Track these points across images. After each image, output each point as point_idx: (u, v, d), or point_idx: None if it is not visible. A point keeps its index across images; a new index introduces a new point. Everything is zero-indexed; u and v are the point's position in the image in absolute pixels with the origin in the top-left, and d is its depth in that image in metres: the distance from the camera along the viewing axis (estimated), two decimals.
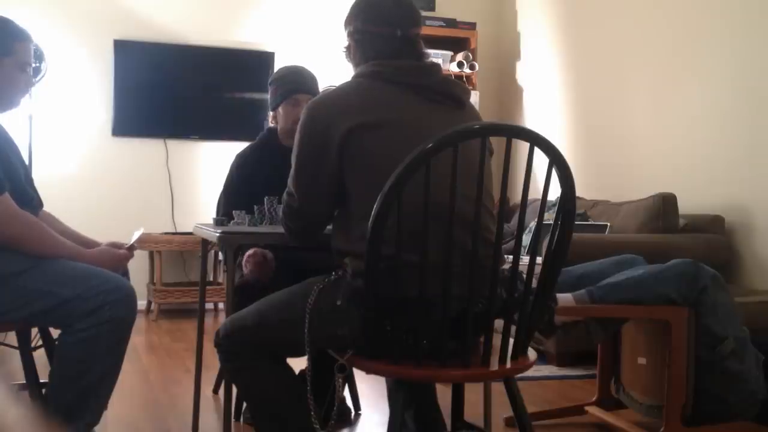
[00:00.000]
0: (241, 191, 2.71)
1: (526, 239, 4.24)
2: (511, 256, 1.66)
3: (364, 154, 1.71)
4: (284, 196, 1.88)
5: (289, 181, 1.85)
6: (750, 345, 2.39)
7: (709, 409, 2.34)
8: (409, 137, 1.65)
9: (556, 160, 1.57)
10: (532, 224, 4.29)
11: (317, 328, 1.72)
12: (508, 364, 1.69)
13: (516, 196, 5.35)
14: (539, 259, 1.70)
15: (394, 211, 1.54)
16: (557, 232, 1.64)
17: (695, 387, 2.33)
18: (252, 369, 1.83)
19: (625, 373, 2.64)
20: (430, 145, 1.51)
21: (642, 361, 2.53)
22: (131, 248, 2.24)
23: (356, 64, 1.88)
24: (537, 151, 1.57)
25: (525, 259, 3.60)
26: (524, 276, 1.67)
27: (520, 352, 1.73)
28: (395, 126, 1.72)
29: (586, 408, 2.73)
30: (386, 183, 1.53)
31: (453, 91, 1.83)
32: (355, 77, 1.85)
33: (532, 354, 1.79)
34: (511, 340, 1.72)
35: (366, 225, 1.58)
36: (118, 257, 2.17)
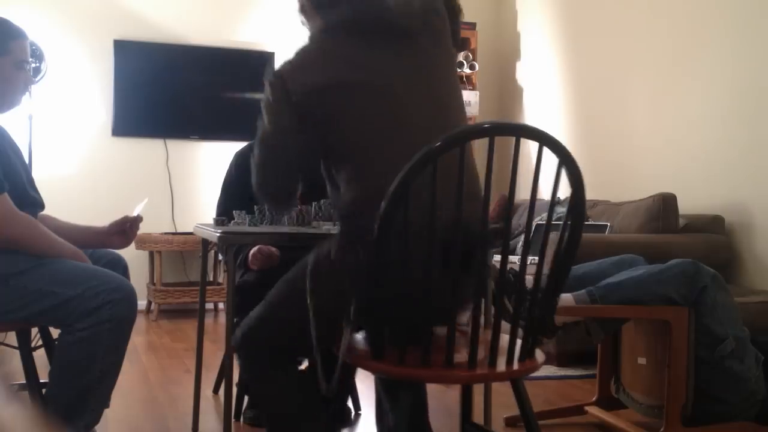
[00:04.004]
0: (239, 190, 2.71)
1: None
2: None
3: (330, 118, 1.70)
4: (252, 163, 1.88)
5: (255, 146, 1.84)
6: (750, 345, 2.39)
7: (709, 409, 2.34)
8: (375, 95, 1.69)
9: (566, 159, 1.56)
10: (532, 224, 4.27)
11: (321, 292, 1.70)
12: (515, 366, 1.67)
13: (516, 197, 5.34)
14: (530, 259, 1.69)
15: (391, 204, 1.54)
16: (567, 233, 1.63)
17: (695, 387, 2.33)
18: (272, 383, 1.81)
19: (625, 373, 2.64)
20: (438, 144, 1.50)
21: (642, 361, 2.53)
22: (136, 220, 2.35)
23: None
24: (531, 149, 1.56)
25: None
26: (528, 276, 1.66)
27: (527, 353, 1.70)
28: (357, 84, 1.70)
29: (586, 408, 2.73)
30: (392, 183, 1.51)
31: (398, 23, 1.75)
32: (309, 38, 1.83)
33: (540, 355, 1.75)
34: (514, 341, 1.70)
35: (352, 189, 1.65)
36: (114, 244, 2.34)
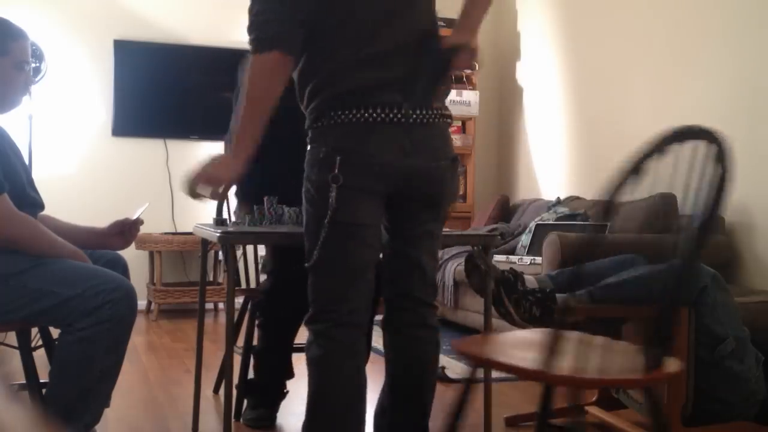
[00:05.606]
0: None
1: (526, 239, 4.24)
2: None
3: None
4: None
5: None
6: (750, 345, 2.39)
7: (709, 409, 2.34)
8: None
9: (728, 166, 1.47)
10: (532, 224, 4.29)
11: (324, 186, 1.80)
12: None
13: (516, 197, 5.34)
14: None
15: None
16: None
17: (695, 387, 2.33)
18: (339, 360, 1.84)
19: None
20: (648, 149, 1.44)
21: None
22: (136, 222, 2.35)
23: None
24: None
25: (526, 260, 3.57)
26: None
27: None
28: None
29: (586, 408, 2.72)
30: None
31: None
32: None
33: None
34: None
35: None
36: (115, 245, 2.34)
